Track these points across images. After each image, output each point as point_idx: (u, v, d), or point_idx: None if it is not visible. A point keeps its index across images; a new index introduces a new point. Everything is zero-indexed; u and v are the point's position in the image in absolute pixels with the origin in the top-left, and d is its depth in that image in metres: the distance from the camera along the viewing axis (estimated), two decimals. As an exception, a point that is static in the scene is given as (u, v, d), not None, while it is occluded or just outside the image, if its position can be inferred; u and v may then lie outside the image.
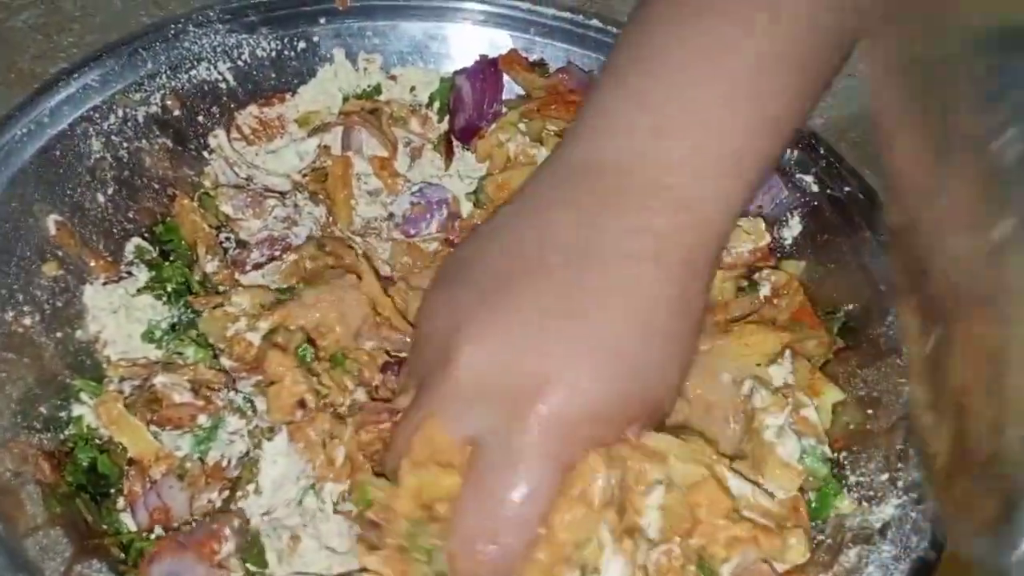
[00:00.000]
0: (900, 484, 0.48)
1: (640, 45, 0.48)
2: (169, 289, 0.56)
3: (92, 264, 0.57)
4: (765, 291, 0.57)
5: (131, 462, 0.50)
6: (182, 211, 0.58)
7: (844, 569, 0.46)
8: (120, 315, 0.55)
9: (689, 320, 0.45)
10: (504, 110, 0.65)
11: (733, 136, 0.46)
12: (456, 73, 0.67)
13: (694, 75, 0.46)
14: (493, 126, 0.63)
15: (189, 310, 0.56)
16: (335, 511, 0.49)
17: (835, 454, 0.52)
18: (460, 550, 0.42)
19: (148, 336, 0.56)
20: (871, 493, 0.49)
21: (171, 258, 0.58)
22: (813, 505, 0.50)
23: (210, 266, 0.57)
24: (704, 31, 0.46)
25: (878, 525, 0.47)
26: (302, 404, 0.50)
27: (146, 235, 0.60)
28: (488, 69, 0.67)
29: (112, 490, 0.49)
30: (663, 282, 0.44)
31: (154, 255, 0.59)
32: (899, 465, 0.49)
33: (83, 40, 0.73)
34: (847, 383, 0.55)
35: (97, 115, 0.59)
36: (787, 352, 0.54)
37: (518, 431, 0.41)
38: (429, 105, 0.67)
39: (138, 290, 0.56)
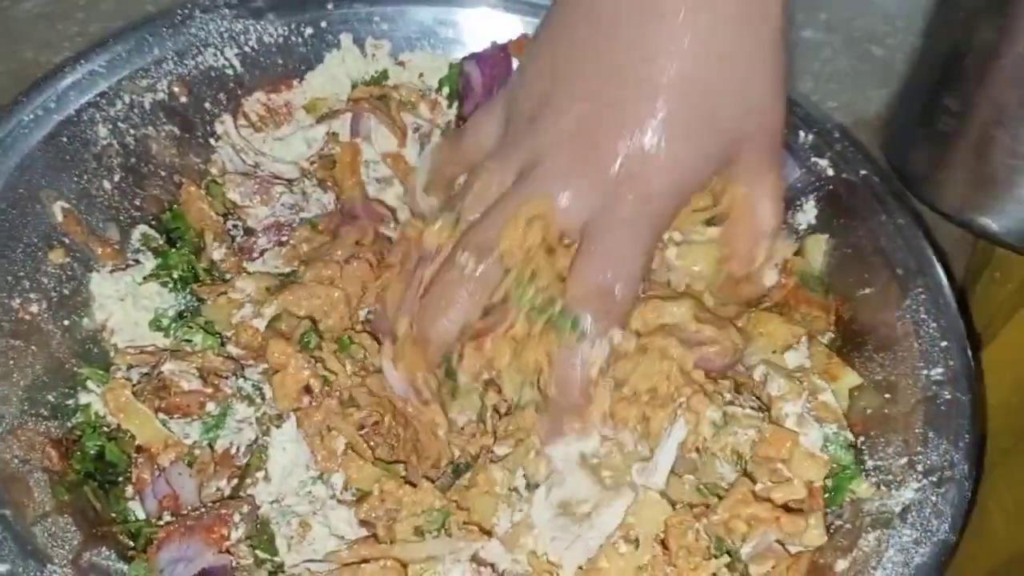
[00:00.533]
0: (919, 468, 0.47)
1: None
2: (175, 276, 0.56)
3: (99, 251, 0.56)
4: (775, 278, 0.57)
5: (139, 450, 0.49)
6: (189, 198, 0.58)
7: (864, 553, 0.46)
8: (127, 303, 0.55)
9: (762, 34, 0.47)
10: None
11: None
12: (465, 59, 0.66)
13: None
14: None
15: (195, 297, 0.55)
16: (338, 501, 0.48)
17: (853, 439, 0.52)
18: (577, 300, 0.47)
19: (155, 324, 0.55)
20: (890, 477, 0.48)
21: (177, 245, 0.57)
22: (828, 491, 0.49)
23: (217, 253, 0.57)
24: None
25: (898, 509, 0.46)
26: (308, 391, 0.49)
27: (153, 223, 0.59)
28: (498, 55, 0.66)
29: (120, 478, 0.49)
30: (731, 18, 0.46)
31: (160, 243, 0.58)
32: (918, 449, 0.48)
33: (88, 29, 0.73)
34: (864, 368, 0.54)
35: (104, 101, 0.58)
36: (804, 337, 0.53)
37: (625, 208, 0.46)
38: (438, 90, 0.66)
39: (144, 278, 0.55)
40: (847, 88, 0.85)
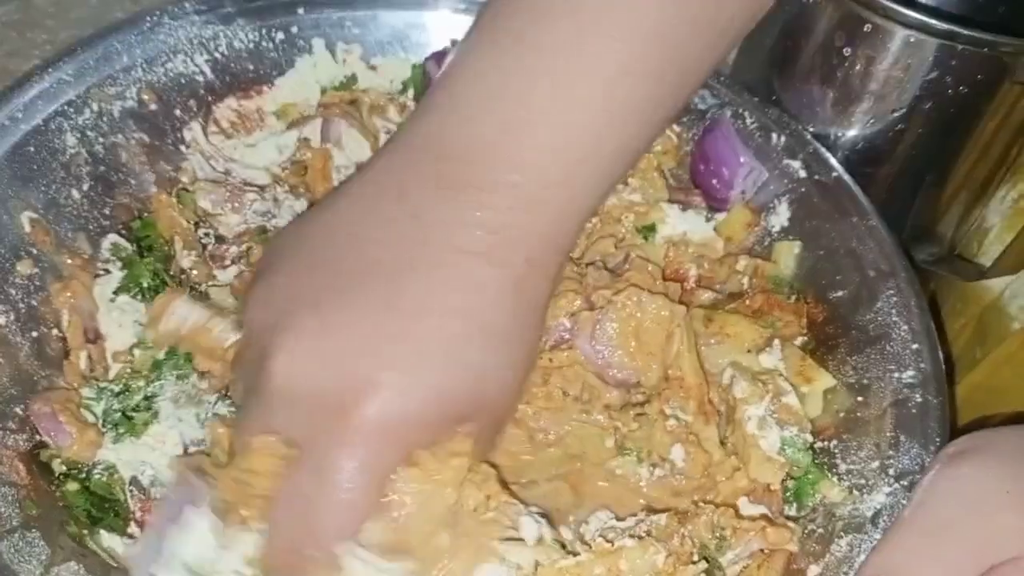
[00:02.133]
0: (891, 472, 0.48)
1: (501, 25, 0.44)
2: (144, 286, 0.55)
3: (68, 262, 0.55)
4: (746, 283, 0.57)
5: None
6: (159, 206, 0.58)
7: (836, 559, 0.46)
8: (103, 312, 0.54)
9: (526, 320, 0.43)
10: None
11: (588, 136, 0.43)
12: (427, 58, 0.66)
13: (555, 68, 0.42)
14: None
15: None
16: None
17: (825, 442, 0.52)
18: (275, 555, 0.41)
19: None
20: (862, 481, 0.49)
21: (144, 255, 0.56)
22: (789, 492, 0.50)
23: (187, 261, 0.56)
24: (566, 27, 0.43)
25: (869, 513, 0.47)
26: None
27: (123, 232, 0.59)
28: (456, 51, 0.66)
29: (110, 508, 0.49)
30: (496, 281, 0.41)
31: (130, 252, 0.58)
32: (890, 452, 0.48)
33: (57, 37, 0.72)
34: (837, 370, 0.54)
35: (72, 110, 0.57)
36: (775, 340, 0.54)
37: (334, 442, 0.39)
38: (403, 92, 0.66)
39: (114, 292, 0.55)
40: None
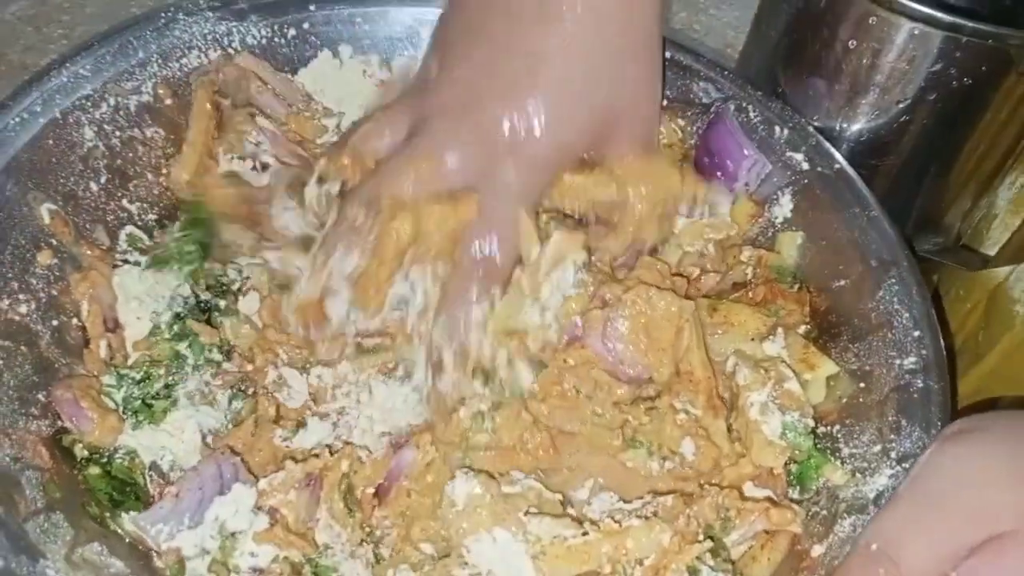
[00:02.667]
0: (893, 455, 0.49)
1: None
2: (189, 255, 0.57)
3: (87, 253, 0.57)
4: (750, 272, 0.58)
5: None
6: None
7: (839, 539, 0.47)
8: (123, 303, 0.55)
9: (641, 35, 0.52)
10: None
11: None
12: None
13: None
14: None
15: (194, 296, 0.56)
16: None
17: (828, 427, 0.53)
18: (465, 270, 0.51)
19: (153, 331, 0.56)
20: (864, 464, 0.50)
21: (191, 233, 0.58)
22: (792, 476, 0.51)
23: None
24: None
25: (872, 495, 0.48)
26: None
27: (140, 224, 0.60)
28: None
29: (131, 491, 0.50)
30: (613, 13, 0.51)
31: (147, 242, 0.59)
32: (891, 436, 0.49)
33: (73, 32, 0.73)
34: (840, 357, 0.55)
35: (89, 104, 0.59)
36: (779, 328, 0.55)
37: (507, 174, 0.50)
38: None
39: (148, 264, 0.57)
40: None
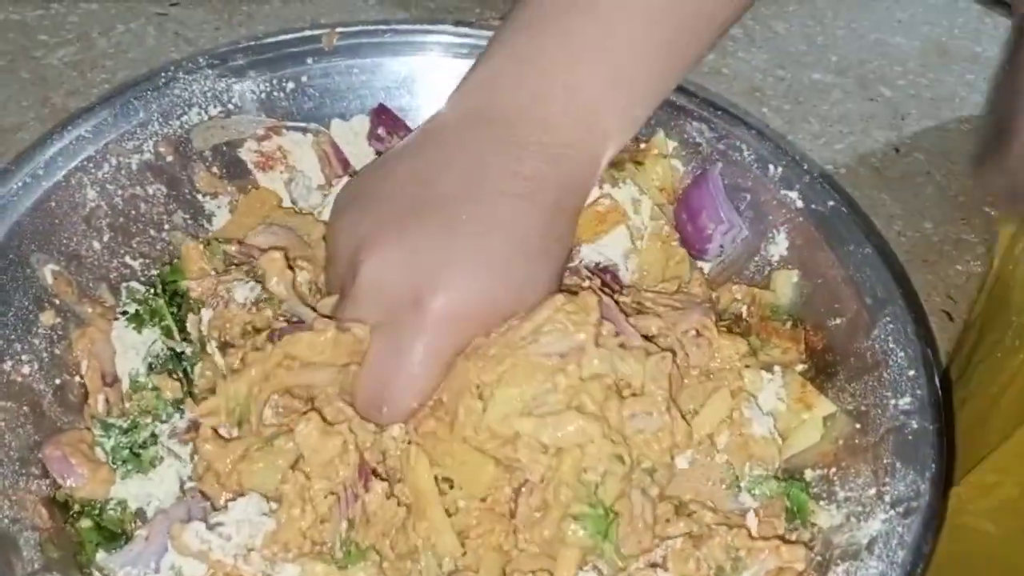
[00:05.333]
0: (887, 499, 0.48)
1: (530, 16, 0.56)
2: (163, 324, 0.57)
3: (90, 311, 0.58)
4: (744, 311, 0.58)
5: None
6: (188, 254, 0.60)
7: (832, 587, 0.46)
8: (120, 356, 0.57)
9: (557, 243, 0.54)
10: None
11: (600, 102, 0.54)
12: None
13: (575, 47, 0.55)
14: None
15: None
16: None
17: (824, 470, 0.53)
18: (360, 407, 0.51)
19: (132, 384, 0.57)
20: (859, 508, 0.49)
21: (170, 302, 0.59)
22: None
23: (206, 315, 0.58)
24: (588, 9, 0.55)
25: (865, 541, 0.47)
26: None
27: (142, 280, 0.61)
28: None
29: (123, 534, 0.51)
30: (535, 215, 0.52)
31: (142, 293, 0.60)
32: (886, 480, 0.49)
33: (115, 77, 0.76)
34: (836, 397, 0.55)
35: (91, 165, 0.60)
36: (777, 367, 0.54)
37: (406, 326, 0.50)
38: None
39: (128, 320, 0.58)
40: (855, 131, 0.88)
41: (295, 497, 0.48)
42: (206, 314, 0.57)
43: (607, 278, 0.57)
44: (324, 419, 0.50)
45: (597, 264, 0.59)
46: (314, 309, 0.56)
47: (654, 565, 0.45)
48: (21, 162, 0.58)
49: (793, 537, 0.50)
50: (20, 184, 0.57)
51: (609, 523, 0.45)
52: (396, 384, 0.50)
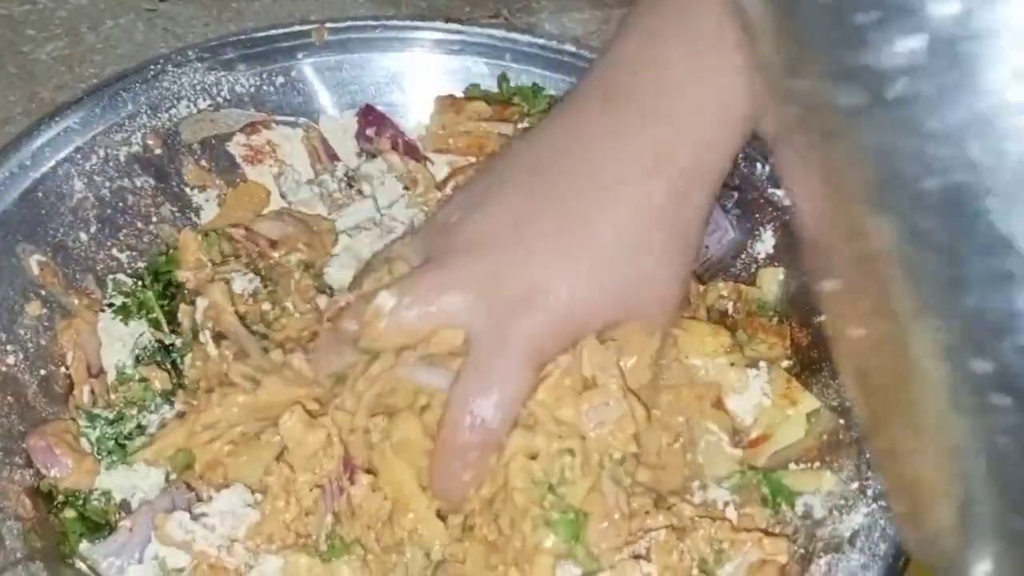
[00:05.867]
0: (869, 493, 0.48)
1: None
2: (152, 317, 0.57)
3: (76, 302, 0.58)
4: (730, 308, 0.58)
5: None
6: (185, 244, 0.59)
7: (814, 579, 0.47)
8: (106, 347, 0.56)
9: (683, 240, 0.50)
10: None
11: (730, 81, 0.49)
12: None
13: (701, 27, 0.50)
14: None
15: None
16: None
17: (808, 464, 0.53)
18: (452, 419, 0.47)
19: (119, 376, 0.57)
20: (842, 502, 0.49)
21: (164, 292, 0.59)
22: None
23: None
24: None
25: (847, 534, 0.47)
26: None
27: (129, 272, 0.61)
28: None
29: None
30: (660, 201, 0.49)
31: (129, 286, 0.60)
32: (868, 474, 0.49)
33: (103, 72, 0.75)
34: (821, 393, 0.55)
35: (79, 156, 0.60)
36: (763, 363, 0.55)
37: (506, 334, 0.47)
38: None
39: (114, 312, 0.57)
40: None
41: (279, 489, 0.48)
42: (201, 303, 0.57)
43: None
44: (308, 412, 0.50)
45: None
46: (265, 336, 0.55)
47: (638, 557, 0.45)
48: (8, 152, 0.58)
49: (776, 530, 0.50)
50: (7, 174, 0.57)
51: (579, 525, 0.45)
52: (498, 390, 0.47)
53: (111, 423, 0.54)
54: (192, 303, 0.59)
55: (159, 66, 0.64)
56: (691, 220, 0.50)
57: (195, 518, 0.47)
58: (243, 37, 0.68)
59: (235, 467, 0.50)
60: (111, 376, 0.57)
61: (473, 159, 0.68)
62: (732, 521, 0.49)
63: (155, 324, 0.58)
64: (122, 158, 0.62)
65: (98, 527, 0.50)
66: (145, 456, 0.51)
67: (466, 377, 0.47)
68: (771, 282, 0.59)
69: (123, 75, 0.64)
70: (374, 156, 0.69)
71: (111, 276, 0.60)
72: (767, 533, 0.47)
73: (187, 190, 0.65)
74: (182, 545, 0.47)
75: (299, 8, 1.00)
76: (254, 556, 0.47)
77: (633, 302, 0.49)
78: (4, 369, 0.53)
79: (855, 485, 0.49)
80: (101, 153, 0.61)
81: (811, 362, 0.57)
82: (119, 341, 0.57)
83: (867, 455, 0.50)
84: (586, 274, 0.48)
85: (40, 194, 0.58)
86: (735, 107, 0.49)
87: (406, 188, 0.67)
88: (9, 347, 0.54)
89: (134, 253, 0.62)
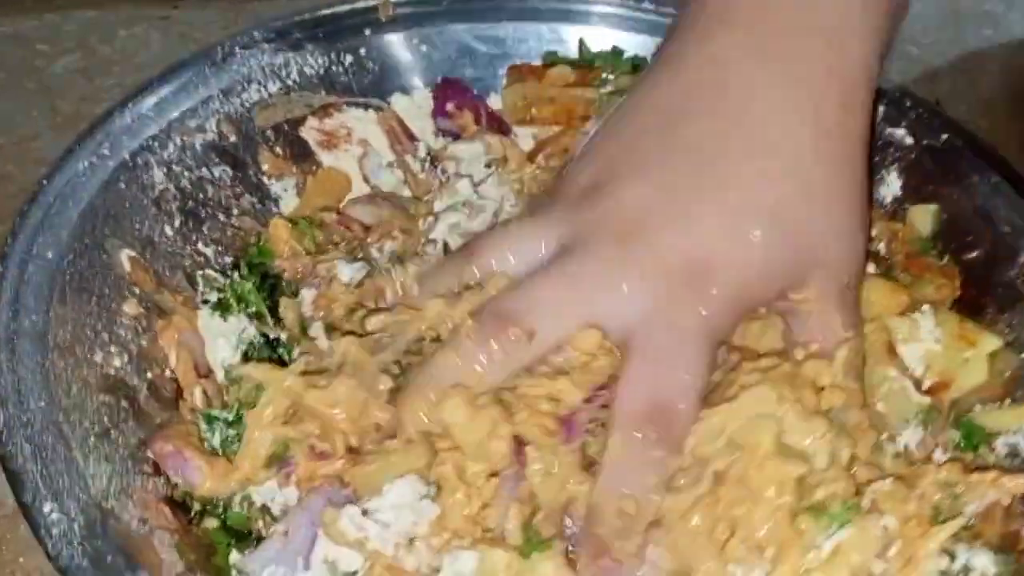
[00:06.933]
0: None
1: None
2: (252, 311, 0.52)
3: (170, 301, 0.52)
4: (882, 248, 0.55)
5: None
6: (276, 233, 0.55)
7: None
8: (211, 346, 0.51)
9: (850, 175, 0.45)
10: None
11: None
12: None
13: None
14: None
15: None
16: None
17: (997, 403, 0.49)
18: (627, 423, 0.41)
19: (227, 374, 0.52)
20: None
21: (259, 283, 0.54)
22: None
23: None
24: None
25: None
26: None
27: (217, 267, 0.56)
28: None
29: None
30: (819, 136, 0.43)
31: (221, 282, 0.55)
32: (1078, 402, 0.46)
33: (124, 81, 0.72)
34: (990, 332, 0.52)
35: (156, 144, 0.55)
36: (927, 307, 0.51)
37: (684, 313, 0.42)
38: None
39: (213, 308, 0.53)
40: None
41: (455, 480, 0.42)
42: (307, 294, 0.52)
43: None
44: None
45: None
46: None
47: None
48: (84, 141, 0.53)
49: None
50: (86, 164, 0.52)
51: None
52: (683, 384, 0.41)
53: (230, 424, 0.48)
54: (295, 295, 0.54)
55: (227, 48, 0.60)
56: (858, 154, 0.45)
57: (366, 513, 0.42)
58: (308, 17, 0.63)
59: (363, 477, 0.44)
60: (219, 375, 0.51)
61: (559, 128, 0.64)
62: (964, 461, 0.45)
63: (258, 317, 0.53)
64: (199, 146, 0.57)
65: (243, 536, 0.45)
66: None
67: (637, 365, 0.42)
68: (925, 218, 0.56)
69: (189, 59, 0.59)
70: (455, 135, 0.65)
71: (199, 272, 0.55)
72: (1004, 471, 0.43)
73: (264, 179, 0.60)
74: (354, 544, 0.41)
75: (320, 5, 0.96)
76: (437, 555, 0.41)
77: (814, 258, 0.44)
78: (112, 372, 0.47)
79: (1064, 413, 0.46)
80: (178, 141, 0.56)
81: (968, 301, 0.54)
82: (221, 338, 0.52)
83: (1067, 383, 0.47)
84: (759, 242, 0.43)
85: (122, 185, 0.53)
86: (877, 3, 0.45)
87: (487, 166, 0.63)
88: (114, 348, 0.48)
89: (220, 248, 0.57)
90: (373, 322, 0.48)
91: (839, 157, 0.45)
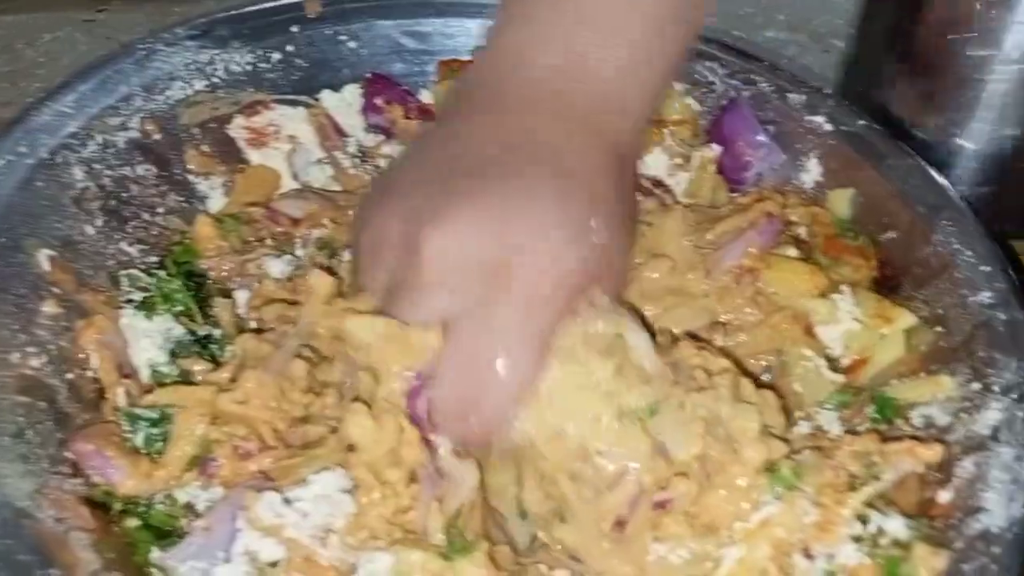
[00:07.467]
0: (996, 388, 0.47)
1: None
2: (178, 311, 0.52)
3: (91, 301, 0.52)
4: (803, 232, 0.56)
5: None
6: (201, 231, 0.54)
7: (964, 480, 0.44)
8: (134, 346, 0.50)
9: (626, 195, 0.49)
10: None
11: (644, 39, 0.49)
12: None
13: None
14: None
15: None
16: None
17: (911, 378, 0.51)
18: (442, 419, 0.43)
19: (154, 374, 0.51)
20: (967, 404, 0.47)
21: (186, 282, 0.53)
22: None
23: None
24: None
25: (986, 432, 0.45)
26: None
27: (142, 267, 0.55)
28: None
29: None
30: (603, 164, 0.46)
31: (147, 282, 0.54)
32: (989, 371, 0.47)
33: (51, 84, 0.70)
34: (906, 307, 0.53)
35: (76, 142, 0.54)
36: (846, 287, 0.52)
37: (499, 305, 0.42)
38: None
39: (137, 307, 0.52)
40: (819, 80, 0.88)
41: (371, 480, 0.42)
42: (241, 296, 0.52)
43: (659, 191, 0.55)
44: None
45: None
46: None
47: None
48: (1, 139, 0.52)
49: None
50: (2, 162, 0.51)
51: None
52: (495, 380, 0.42)
53: (155, 423, 0.47)
54: (226, 294, 0.54)
55: (149, 45, 0.59)
56: (628, 183, 0.49)
57: (288, 502, 0.41)
58: (233, 13, 0.63)
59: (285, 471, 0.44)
60: (144, 375, 0.51)
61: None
62: (881, 432, 0.46)
63: (186, 316, 0.52)
64: (121, 144, 0.56)
65: (165, 534, 0.44)
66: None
67: (449, 359, 0.42)
68: (843, 202, 0.57)
69: (111, 56, 0.58)
70: (386, 130, 0.65)
71: (123, 272, 0.54)
72: (919, 441, 0.45)
73: (190, 178, 0.60)
74: (271, 530, 0.41)
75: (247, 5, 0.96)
76: (354, 552, 0.41)
77: (603, 262, 0.45)
78: (30, 372, 0.46)
79: (978, 386, 0.47)
80: (99, 139, 0.55)
81: (886, 280, 0.55)
82: (146, 337, 0.52)
83: (979, 354, 0.48)
84: (565, 236, 0.44)
85: (40, 183, 0.52)
86: (646, 57, 0.49)
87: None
88: (31, 349, 0.47)
89: (144, 247, 0.56)
90: (267, 312, 0.48)
91: (617, 189, 0.47)
